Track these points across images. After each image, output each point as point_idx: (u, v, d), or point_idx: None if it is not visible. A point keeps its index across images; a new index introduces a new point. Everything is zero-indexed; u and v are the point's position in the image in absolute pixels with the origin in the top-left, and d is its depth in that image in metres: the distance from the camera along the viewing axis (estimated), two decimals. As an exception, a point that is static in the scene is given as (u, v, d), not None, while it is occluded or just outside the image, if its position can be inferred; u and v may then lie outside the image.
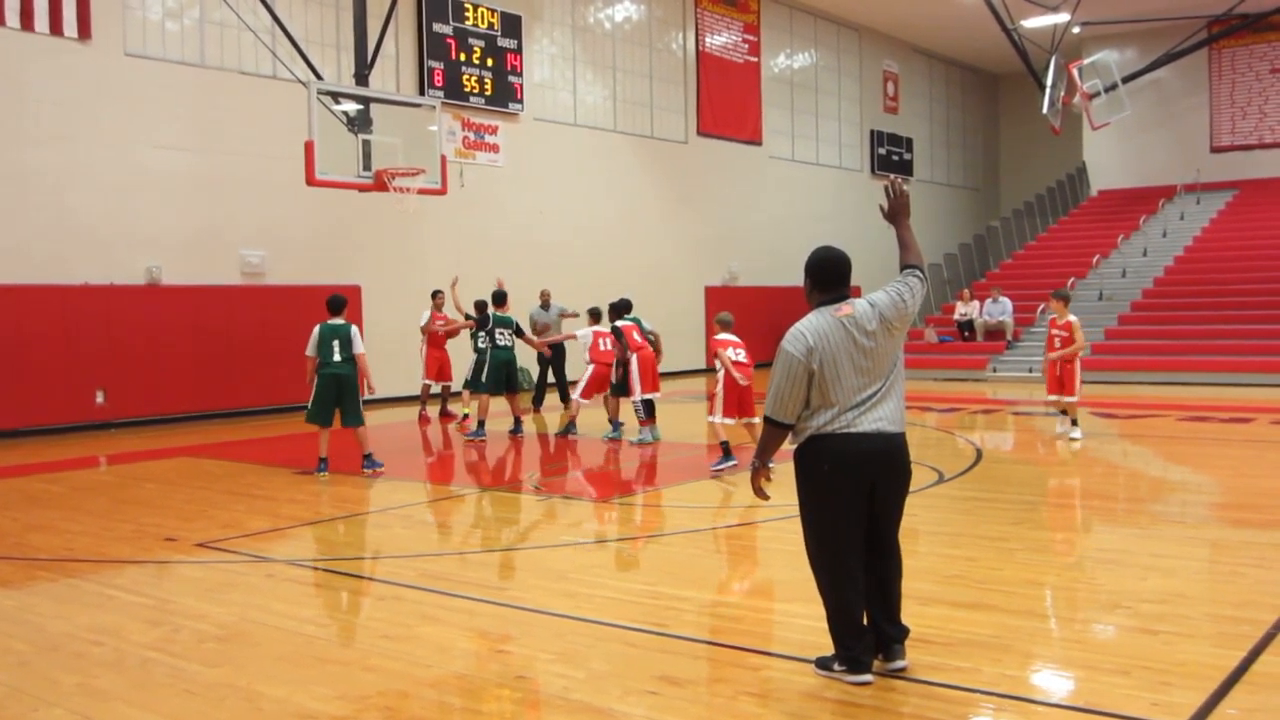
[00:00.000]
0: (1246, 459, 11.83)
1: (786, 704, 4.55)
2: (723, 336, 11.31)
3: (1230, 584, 6.43)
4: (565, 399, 16.12)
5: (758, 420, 10.66)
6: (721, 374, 11.09)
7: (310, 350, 10.97)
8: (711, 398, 11.37)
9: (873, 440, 4.69)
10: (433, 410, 16.64)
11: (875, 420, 4.70)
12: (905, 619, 4.90)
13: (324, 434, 11.02)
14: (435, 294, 16.52)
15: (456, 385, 15.98)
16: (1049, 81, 26.80)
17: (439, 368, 16.44)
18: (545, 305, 17.36)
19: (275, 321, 16.86)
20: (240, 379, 16.85)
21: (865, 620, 4.76)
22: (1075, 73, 27.50)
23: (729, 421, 11.04)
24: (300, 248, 17.71)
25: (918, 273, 4.93)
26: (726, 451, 10.75)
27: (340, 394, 10.92)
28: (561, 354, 16.72)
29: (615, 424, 13.53)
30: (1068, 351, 12.68)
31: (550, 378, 17.08)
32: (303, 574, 7.33)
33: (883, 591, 4.83)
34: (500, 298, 14.11)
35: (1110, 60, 28.36)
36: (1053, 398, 13.03)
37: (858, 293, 4.95)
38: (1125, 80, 28.29)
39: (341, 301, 11.11)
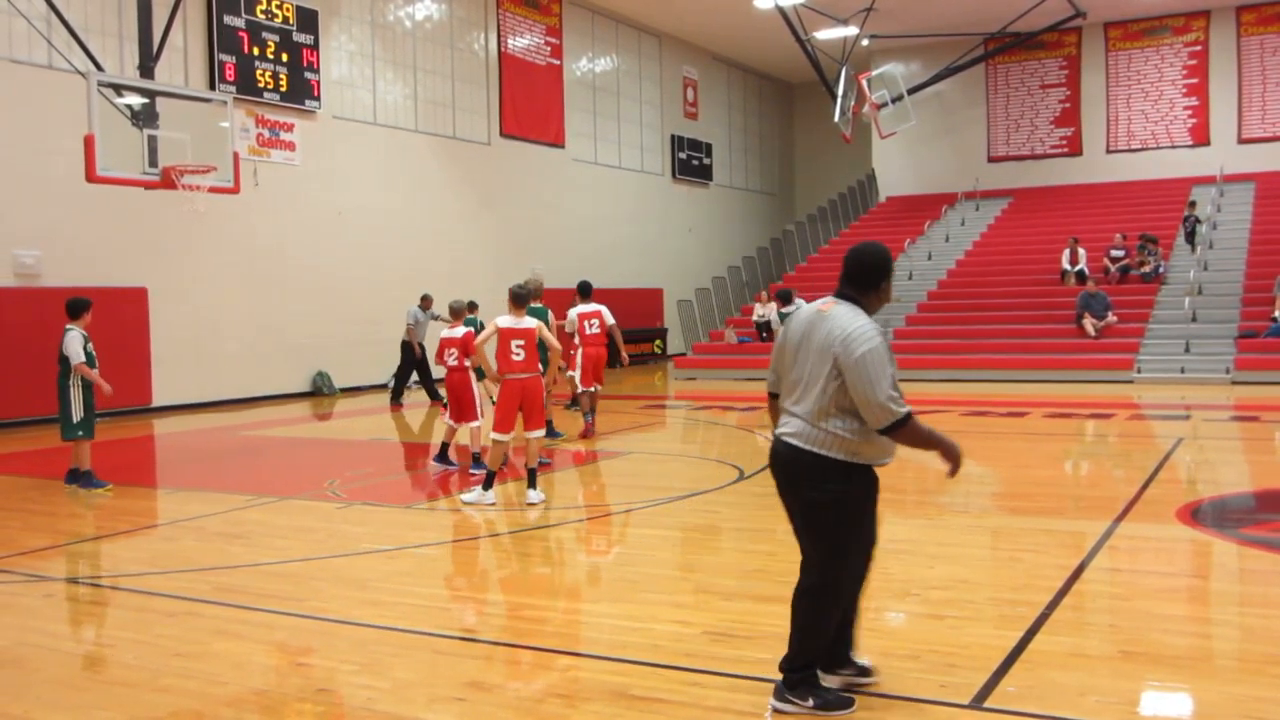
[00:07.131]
0: (1023, 451, 12.58)
1: (594, 703, 4.57)
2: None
3: (1009, 569, 6.82)
4: (433, 396, 18.35)
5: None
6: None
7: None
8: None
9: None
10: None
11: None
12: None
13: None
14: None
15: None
16: (840, 91, 27.86)
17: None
18: (425, 307, 18.99)
19: (52, 325, 15.82)
20: (12, 387, 15.78)
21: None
22: (864, 84, 28.66)
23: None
24: (80, 248, 16.71)
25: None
26: (476, 460, 10.91)
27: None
28: (424, 354, 18.35)
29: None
30: None
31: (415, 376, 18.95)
32: (86, 592, 6.93)
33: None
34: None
35: (896, 72, 29.67)
36: None
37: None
38: (910, 92, 29.66)
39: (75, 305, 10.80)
